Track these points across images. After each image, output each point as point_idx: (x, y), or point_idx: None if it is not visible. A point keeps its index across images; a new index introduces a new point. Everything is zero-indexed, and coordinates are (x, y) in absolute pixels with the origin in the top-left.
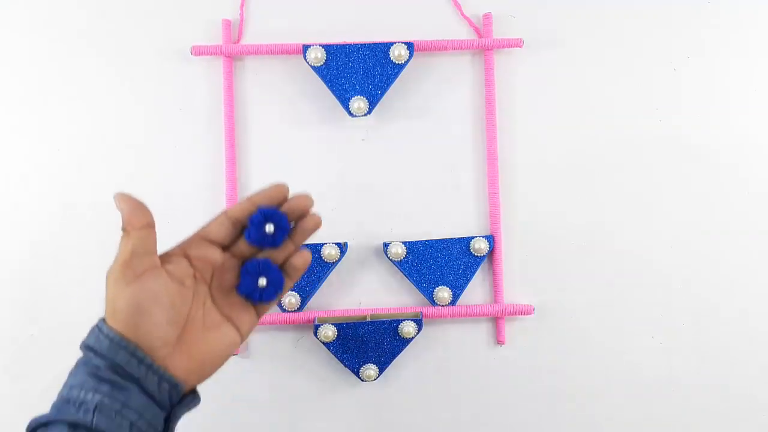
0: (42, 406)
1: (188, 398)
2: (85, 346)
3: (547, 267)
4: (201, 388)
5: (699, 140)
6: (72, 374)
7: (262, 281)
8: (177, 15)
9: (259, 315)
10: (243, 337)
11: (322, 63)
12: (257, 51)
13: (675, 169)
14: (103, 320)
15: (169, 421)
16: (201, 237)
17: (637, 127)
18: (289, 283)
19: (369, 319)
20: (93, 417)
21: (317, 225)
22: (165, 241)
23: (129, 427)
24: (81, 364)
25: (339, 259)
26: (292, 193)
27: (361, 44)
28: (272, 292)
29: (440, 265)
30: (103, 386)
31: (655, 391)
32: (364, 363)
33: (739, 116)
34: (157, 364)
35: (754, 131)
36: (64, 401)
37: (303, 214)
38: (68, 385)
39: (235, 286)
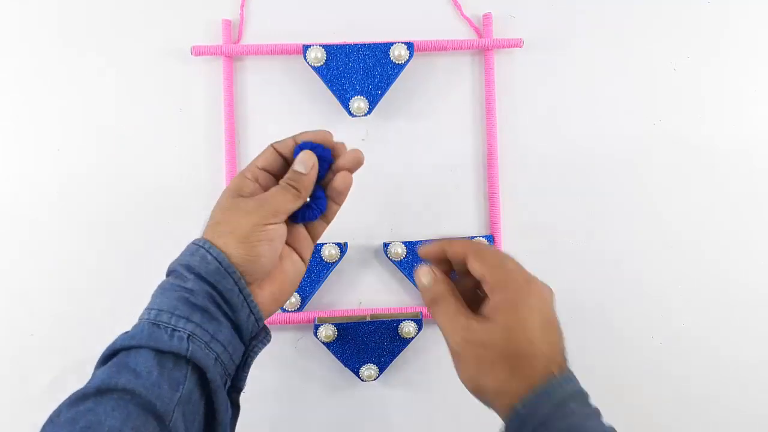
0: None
1: (262, 334)
2: (185, 266)
3: (547, 267)
4: None
5: (699, 140)
6: (157, 296)
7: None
8: (177, 15)
9: (313, 240)
10: (306, 264)
11: (322, 63)
12: (257, 51)
13: (675, 168)
14: (208, 242)
15: (247, 357)
16: (256, 167)
17: (636, 127)
18: (333, 206)
19: (369, 319)
20: (188, 346)
21: (359, 160)
22: (166, 241)
23: (215, 359)
24: (170, 286)
25: (339, 259)
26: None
27: (361, 44)
28: (315, 212)
29: None
30: (195, 314)
31: (655, 391)
32: (364, 363)
33: (739, 116)
34: (251, 295)
35: (754, 131)
36: (151, 325)
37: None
38: (155, 309)
39: None
